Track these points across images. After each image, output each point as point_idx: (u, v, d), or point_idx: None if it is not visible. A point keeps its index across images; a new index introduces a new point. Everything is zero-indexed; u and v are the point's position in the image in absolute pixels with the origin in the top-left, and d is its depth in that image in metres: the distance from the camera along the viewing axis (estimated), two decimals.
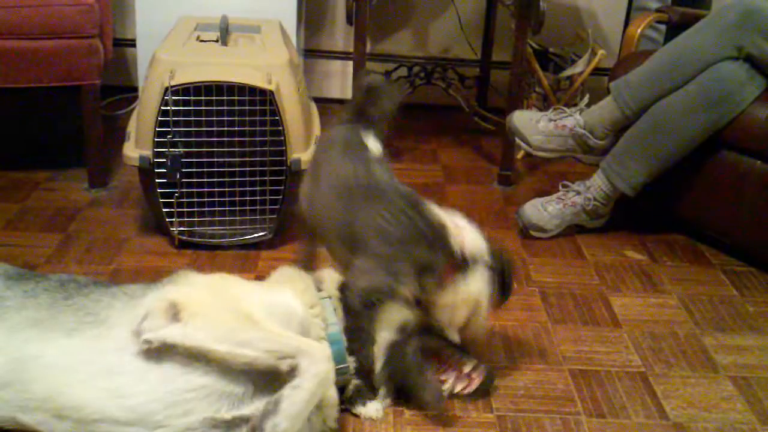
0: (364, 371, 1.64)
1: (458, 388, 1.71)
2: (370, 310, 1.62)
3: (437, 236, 1.62)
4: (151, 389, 1.42)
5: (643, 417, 1.73)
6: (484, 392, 1.72)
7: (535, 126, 2.45)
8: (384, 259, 1.60)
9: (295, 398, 1.39)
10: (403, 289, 1.61)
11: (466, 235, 1.66)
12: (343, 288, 1.67)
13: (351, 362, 1.63)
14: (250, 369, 1.44)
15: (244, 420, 1.43)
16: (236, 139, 2.17)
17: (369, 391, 1.65)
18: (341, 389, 1.62)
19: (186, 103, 2.11)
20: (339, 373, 1.59)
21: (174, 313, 1.44)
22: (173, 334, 1.42)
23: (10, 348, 1.44)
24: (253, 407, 1.43)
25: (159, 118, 2.12)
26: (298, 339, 1.48)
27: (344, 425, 1.63)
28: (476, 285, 1.64)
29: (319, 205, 1.77)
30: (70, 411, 1.41)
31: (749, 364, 1.92)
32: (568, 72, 3.03)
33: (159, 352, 1.43)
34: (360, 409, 1.65)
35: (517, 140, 2.50)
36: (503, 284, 1.70)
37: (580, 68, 3.01)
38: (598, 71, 3.05)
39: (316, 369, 1.42)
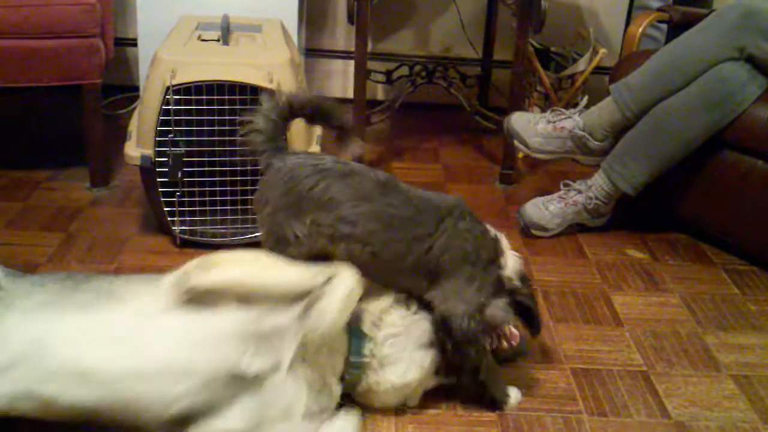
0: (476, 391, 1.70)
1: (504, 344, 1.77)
2: (479, 328, 1.62)
3: (498, 256, 1.69)
4: (175, 340, 1.43)
5: (644, 416, 1.73)
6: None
7: (533, 128, 2.45)
8: (473, 279, 1.63)
9: (334, 292, 1.46)
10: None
11: (510, 259, 1.71)
12: (443, 321, 1.61)
13: (367, 358, 1.62)
14: (283, 302, 1.47)
15: (258, 373, 1.45)
16: (238, 138, 2.16)
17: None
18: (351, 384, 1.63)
19: (187, 102, 2.11)
20: (353, 366, 1.60)
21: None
22: (215, 277, 1.44)
23: (25, 326, 1.44)
24: (268, 362, 1.45)
25: (160, 118, 2.12)
26: (327, 267, 1.52)
27: None
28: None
29: (376, 239, 1.63)
30: (92, 374, 1.39)
31: (751, 363, 1.92)
32: (569, 71, 3.03)
33: (182, 310, 1.45)
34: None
35: (515, 142, 2.49)
36: (532, 315, 1.72)
37: (581, 67, 3.01)
38: (599, 70, 3.05)
39: (347, 277, 1.48)
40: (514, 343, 1.76)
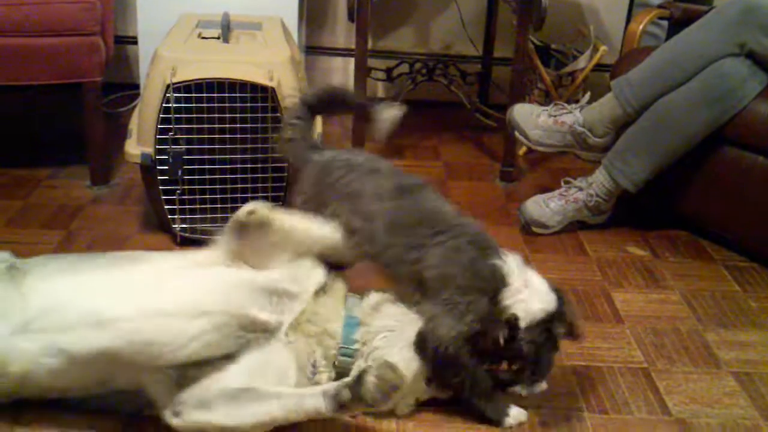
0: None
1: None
2: (457, 353, 1.57)
3: (494, 287, 1.58)
4: (191, 286, 1.52)
5: (645, 413, 1.73)
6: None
7: (534, 120, 2.45)
8: (452, 304, 1.57)
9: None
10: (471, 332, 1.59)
11: (529, 296, 1.59)
12: (420, 339, 1.61)
13: (357, 345, 1.63)
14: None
15: (264, 326, 1.54)
16: (238, 136, 2.17)
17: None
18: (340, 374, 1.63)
19: (188, 100, 2.11)
20: (344, 353, 1.62)
21: None
22: (270, 213, 1.57)
23: (43, 286, 1.52)
24: (273, 318, 1.56)
25: (161, 115, 2.12)
26: None
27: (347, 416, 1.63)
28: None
29: (378, 239, 1.66)
30: (110, 319, 1.44)
31: (751, 360, 1.92)
32: (569, 68, 3.03)
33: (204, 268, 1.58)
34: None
35: (516, 134, 2.50)
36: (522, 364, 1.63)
37: (582, 64, 3.01)
38: (600, 67, 3.04)
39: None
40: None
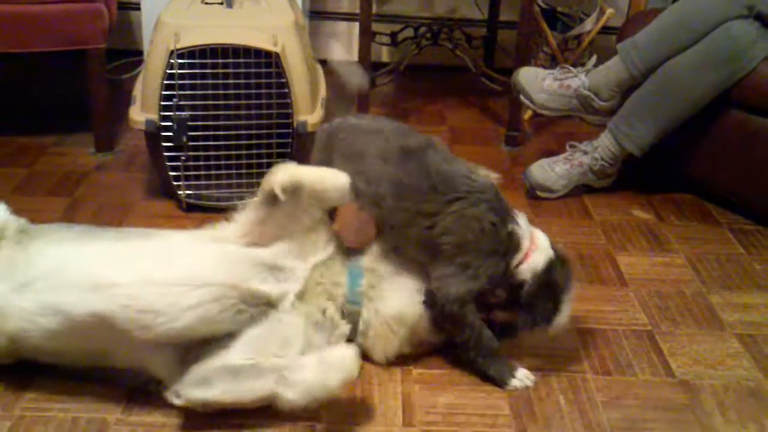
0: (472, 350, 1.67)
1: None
2: (464, 310, 1.61)
3: (509, 251, 1.63)
4: (193, 258, 1.55)
5: (649, 374, 1.74)
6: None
7: (540, 84, 2.44)
8: (467, 267, 1.59)
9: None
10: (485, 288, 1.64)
11: (536, 257, 1.64)
12: (429, 296, 1.64)
13: (363, 290, 1.68)
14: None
15: (266, 299, 1.56)
16: (242, 101, 2.16)
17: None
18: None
19: (191, 66, 2.10)
20: (351, 301, 1.66)
21: None
22: (293, 171, 1.58)
23: (48, 251, 1.56)
24: (275, 291, 1.57)
25: (164, 82, 2.12)
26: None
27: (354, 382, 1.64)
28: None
29: (384, 204, 1.65)
30: (109, 283, 1.46)
31: (755, 322, 1.93)
32: (576, 31, 3.01)
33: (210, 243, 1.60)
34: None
35: (521, 97, 2.49)
36: (550, 309, 1.66)
37: (588, 27, 2.98)
38: (606, 30, 3.02)
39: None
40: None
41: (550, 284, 1.65)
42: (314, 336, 1.60)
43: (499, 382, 1.67)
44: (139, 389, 1.60)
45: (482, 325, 1.64)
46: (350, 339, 1.67)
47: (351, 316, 1.66)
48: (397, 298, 1.68)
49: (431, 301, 1.63)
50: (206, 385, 1.48)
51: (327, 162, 1.72)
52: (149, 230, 1.72)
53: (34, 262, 1.53)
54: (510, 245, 1.62)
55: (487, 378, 1.68)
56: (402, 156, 1.65)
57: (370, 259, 1.72)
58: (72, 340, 1.51)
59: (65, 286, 1.48)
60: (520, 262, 1.63)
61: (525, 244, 1.64)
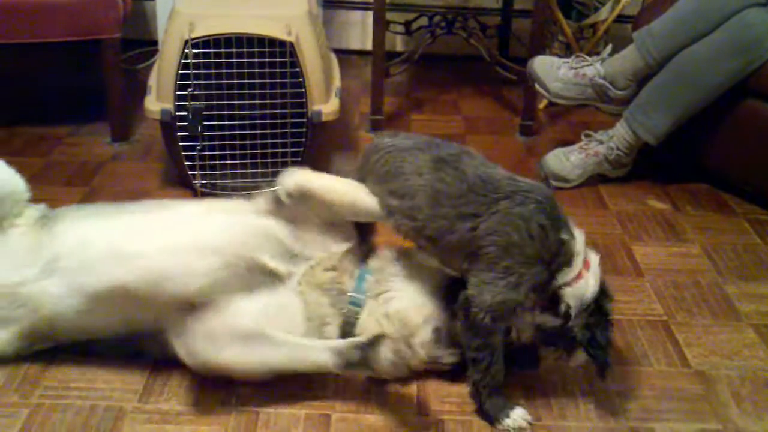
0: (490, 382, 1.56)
1: None
2: (495, 325, 1.50)
3: (556, 263, 1.50)
4: (207, 227, 1.61)
5: (665, 365, 1.74)
6: None
7: (555, 73, 2.43)
8: (510, 273, 1.48)
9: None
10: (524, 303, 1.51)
11: (586, 283, 1.51)
12: (465, 304, 1.52)
13: (368, 293, 1.65)
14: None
15: (279, 275, 1.61)
16: (257, 91, 2.16)
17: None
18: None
19: (206, 55, 2.11)
20: (352, 302, 1.65)
21: None
22: (311, 179, 1.64)
23: (72, 229, 1.62)
24: (284, 268, 1.62)
25: (179, 71, 2.12)
26: None
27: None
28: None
29: (420, 215, 1.56)
30: (127, 255, 1.54)
31: None
32: (591, 20, 2.99)
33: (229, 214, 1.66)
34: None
35: (536, 86, 2.48)
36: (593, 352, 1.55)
37: (603, 16, 2.97)
38: (621, 18, 3.00)
39: None
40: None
41: (600, 316, 1.53)
42: (307, 324, 1.62)
43: (492, 418, 1.57)
44: (162, 360, 1.62)
45: (500, 352, 1.54)
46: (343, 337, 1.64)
47: (348, 316, 1.64)
48: (397, 301, 1.64)
49: (466, 306, 1.52)
50: (214, 343, 1.51)
51: (363, 179, 1.67)
52: (168, 201, 1.79)
53: (60, 241, 1.60)
54: (558, 256, 1.49)
55: (480, 411, 1.59)
56: (436, 165, 1.57)
57: (380, 262, 1.69)
58: (103, 314, 1.57)
59: (88, 263, 1.55)
60: (567, 283, 1.50)
61: (577, 261, 1.50)
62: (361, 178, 1.67)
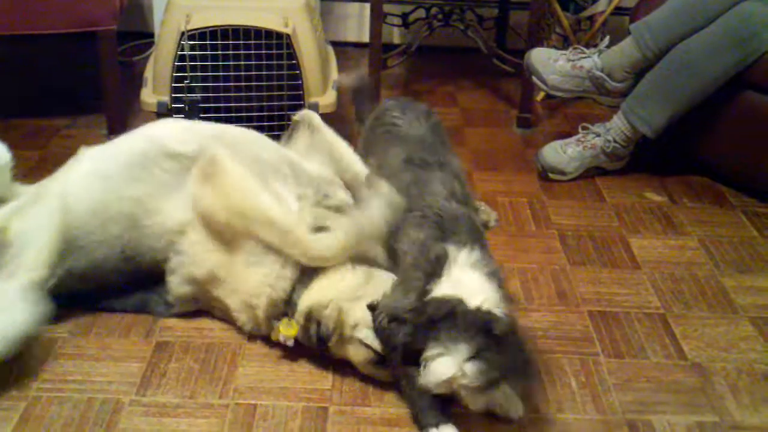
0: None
1: None
2: (388, 328, 1.49)
3: (431, 278, 1.50)
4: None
5: (661, 357, 1.74)
6: None
7: (552, 65, 2.43)
8: (407, 281, 1.54)
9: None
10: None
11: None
12: (371, 308, 1.56)
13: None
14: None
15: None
16: (253, 83, 2.16)
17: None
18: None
19: (202, 47, 2.10)
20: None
21: None
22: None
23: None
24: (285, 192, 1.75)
25: (176, 64, 2.12)
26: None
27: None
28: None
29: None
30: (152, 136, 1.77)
31: None
32: (588, 12, 2.98)
33: None
34: None
35: (534, 78, 2.48)
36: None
37: (601, 8, 2.96)
38: (619, 11, 2.99)
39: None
40: None
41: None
42: None
43: (418, 425, 1.51)
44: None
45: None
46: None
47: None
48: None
49: (372, 311, 1.55)
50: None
51: (367, 145, 1.85)
52: None
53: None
54: (433, 266, 1.51)
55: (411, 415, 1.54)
56: (404, 166, 1.74)
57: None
58: (112, 204, 1.72)
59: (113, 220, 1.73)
60: (433, 291, 1.48)
61: (447, 273, 1.49)
62: (367, 142, 1.88)
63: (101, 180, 1.75)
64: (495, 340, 1.37)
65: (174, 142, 1.75)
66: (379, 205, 1.63)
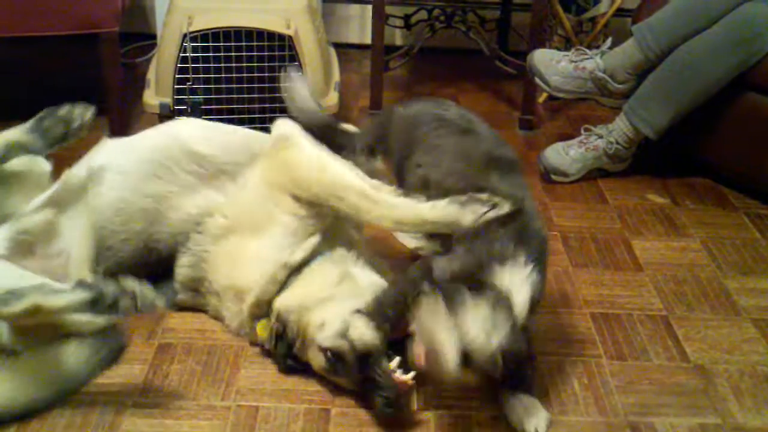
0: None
1: None
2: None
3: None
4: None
5: (664, 359, 1.74)
6: None
7: (555, 66, 2.43)
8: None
9: None
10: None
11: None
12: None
13: None
14: None
15: None
16: (256, 84, 2.16)
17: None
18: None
19: (205, 49, 2.11)
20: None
21: None
22: None
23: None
24: None
25: (178, 65, 2.12)
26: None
27: None
28: None
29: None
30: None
31: None
32: (590, 13, 2.98)
33: None
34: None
35: (536, 80, 2.48)
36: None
37: (603, 9, 2.96)
38: (621, 12, 2.99)
39: None
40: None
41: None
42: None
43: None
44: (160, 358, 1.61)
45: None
46: None
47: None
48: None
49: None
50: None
51: (404, 148, 1.75)
52: None
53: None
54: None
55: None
56: (486, 164, 1.69)
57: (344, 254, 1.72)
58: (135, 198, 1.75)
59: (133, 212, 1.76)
60: None
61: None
62: (404, 146, 1.75)
63: (121, 176, 1.79)
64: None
65: (196, 143, 1.77)
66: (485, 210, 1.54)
